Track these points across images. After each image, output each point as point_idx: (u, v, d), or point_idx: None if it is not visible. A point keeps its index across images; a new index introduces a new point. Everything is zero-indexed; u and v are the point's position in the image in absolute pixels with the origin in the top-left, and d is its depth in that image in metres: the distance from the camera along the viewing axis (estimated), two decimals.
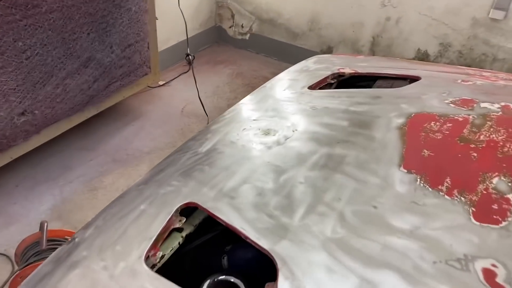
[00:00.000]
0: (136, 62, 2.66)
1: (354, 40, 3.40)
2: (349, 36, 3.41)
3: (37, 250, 1.63)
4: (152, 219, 0.96)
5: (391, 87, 1.49)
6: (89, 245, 0.93)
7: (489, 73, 1.52)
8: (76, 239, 0.97)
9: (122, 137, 2.76)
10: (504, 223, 0.84)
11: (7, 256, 1.98)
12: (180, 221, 0.97)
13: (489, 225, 0.84)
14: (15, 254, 1.74)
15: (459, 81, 1.42)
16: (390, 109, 1.25)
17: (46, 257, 1.58)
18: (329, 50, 3.53)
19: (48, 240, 1.66)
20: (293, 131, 1.21)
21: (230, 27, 3.95)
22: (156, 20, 2.76)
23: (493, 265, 0.76)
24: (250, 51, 3.93)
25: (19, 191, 2.29)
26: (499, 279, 0.74)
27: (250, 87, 3.35)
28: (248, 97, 1.54)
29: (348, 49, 3.44)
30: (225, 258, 1.03)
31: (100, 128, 2.79)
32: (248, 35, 3.89)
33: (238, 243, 1.08)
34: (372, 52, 3.34)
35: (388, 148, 1.08)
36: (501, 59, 2.90)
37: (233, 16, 3.88)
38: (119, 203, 1.08)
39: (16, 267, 1.79)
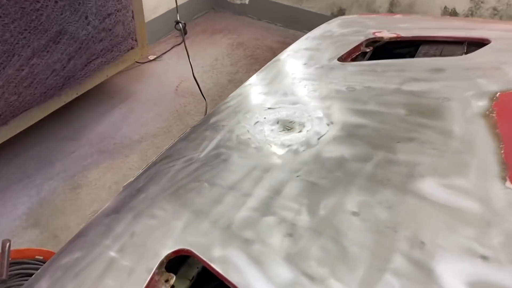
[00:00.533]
0: (119, 34, 2.26)
1: (370, 0, 2.97)
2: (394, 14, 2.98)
3: None
4: (125, 280, 0.61)
5: (440, 55, 1.11)
6: None
7: None
8: None
9: (108, 124, 2.39)
10: None
11: None
12: (167, 281, 0.62)
13: None
14: None
15: None
16: (462, 87, 0.88)
17: None
18: (340, 13, 3.10)
19: (12, 264, 1.33)
20: (328, 125, 0.84)
21: None
22: None
23: None
24: (251, 17, 3.50)
25: None
26: None
27: (253, 59, 2.95)
28: (257, 75, 1.17)
29: (363, 10, 3.01)
30: None
31: (83, 114, 2.42)
32: None
33: None
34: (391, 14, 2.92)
35: (476, 149, 0.72)
36: None
37: None
38: (79, 245, 0.73)
39: None
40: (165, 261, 0.63)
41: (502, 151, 0.70)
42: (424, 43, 1.20)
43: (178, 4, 2.38)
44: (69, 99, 2.18)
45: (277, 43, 3.13)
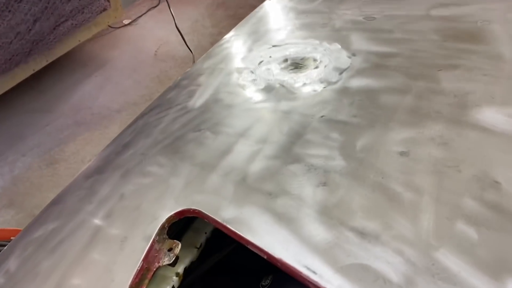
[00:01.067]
0: None
1: None
2: None
3: None
4: (116, 251, 0.48)
5: None
6: None
7: None
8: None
9: (84, 93, 2.21)
10: None
11: None
12: (170, 250, 0.48)
13: None
14: None
15: None
16: (502, 8, 0.74)
17: None
18: None
19: None
20: (349, 57, 0.70)
21: None
22: None
23: None
24: None
25: None
26: None
27: (236, 19, 2.76)
28: (250, 17, 1.01)
29: None
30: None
31: (55, 84, 2.23)
32: None
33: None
34: None
35: None
36: None
37: None
38: (54, 214, 0.58)
39: None
40: (166, 225, 0.49)
41: None
42: None
43: None
44: (39, 67, 1.98)
45: (261, 1, 2.95)
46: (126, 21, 2.75)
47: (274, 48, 0.79)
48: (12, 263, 0.52)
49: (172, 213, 0.50)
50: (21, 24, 1.75)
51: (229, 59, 0.81)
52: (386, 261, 0.40)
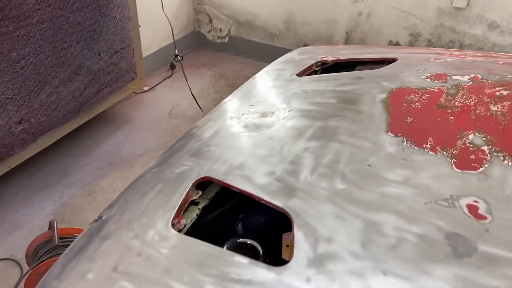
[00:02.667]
0: (122, 68, 2.75)
1: (329, 36, 3.56)
2: (323, 33, 3.57)
3: (49, 248, 1.70)
4: (172, 194, 1.06)
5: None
6: (117, 220, 1.02)
7: (458, 52, 1.68)
8: (103, 217, 1.06)
9: (113, 142, 2.83)
10: (481, 169, 0.98)
11: (14, 261, 2.02)
12: (196, 194, 1.07)
13: (469, 171, 0.98)
14: (26, 255, 1.80)
15: (432, 59, 1.57)
16: (372, 87, 1.38)
17: (60, 253, 1.66)
18: None
19: (58, 238, 1.73)
20: (289, 111, 1.33)
21: (209, 32, 4.06)
22: (139, 27, 2.85)
23: (475, 201, 0.89)
24: (230, 53, 4.05)
25: (19, 200, 2.34)
26: (481, 211, 0.87)
27: (233, 87, 3.45)
28: (240, 88, 1.65)
29: (324, 45, 3.59)
30: (240, 224, 1.14)
31: (91, 134, 2.86)
32: (227, 38, 4.01)
33: (249, 212, 1.19)
34: None
35: (375, 118, 1.21)
36: (467, 45, 3.10)
37: (211, 21, 3.99)
38: (137, 185, 1.17)
39: (27, 268, 1.85)
40: (195, 183, 1.08)
41: (389, 118, 1.19)
42: (359, 63, 1.72)
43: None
44: (82, 122, 2.62)
45: (253, 73, 3.62)
46: (145, 88, 3.44)
47: (251, 106, 1.42)
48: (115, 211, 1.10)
49: (197, 178, 1.09)
50: (76, 90, 2.41)
51: (225, 113, 1.44)
52: None
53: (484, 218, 0.86)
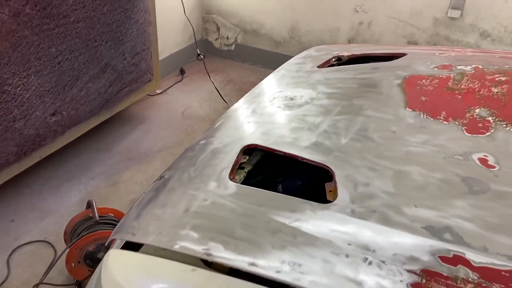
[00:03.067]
0: (142, 69, 2.92)
1: (332, 43, 3.79)
2: (327, 41, 3.79)
3: (89, 224, 1.85)
4: (224, 157, 1.23)
5: None
6: (179, 178, 1.19)
7: (459, 48, 1.89)
8: (165, 176, 1.23)
9: (132, 139, 2.99)
10: (488, 133, 1.17)
11: (48, 242, 2.16)
12: (244, 158, 1.25)
13: (478, 135, 1.17)
14: (65, 232, 1.94)
15: (437, 54, 1.78)
16: (388, 75, 1.58)
17: (100, 229, 1.80)
18: None
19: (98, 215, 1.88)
20: (316, 94, 1.51)
21: (216, 40, 4.27)
22: (156, 33, 3.04)
23: (485, 156, 1.08)
24: (237, 61, 4.25)
25: (47, 190, 2.48)
26: (490, 162, 1.06)
27: (242, 92, 3.65)
28: (266, 79, 1.84)
29: None
30: (280, 186, 1.31)
31: (111, 132, 3.02)
32: (234, 45, 4.22)
33: (286, 176, 1.36)
34: None
35: (394, 98, 1.40)
36: None
37: (218, 29, 4.20)
38: (190, 153, 1.34)
39: (61, 249, 1.99)
40: (243, 149, 1.25)
41: (406, 97, 1.38)
42: (371, 59, 1.92)
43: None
44: (105, 118, 2.78)
45: (259, 79, 3.83)
46: (158, 91, 3.61)
47: (280, 92, 1.60)
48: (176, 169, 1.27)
49: (245, 145, 1.26)
50: (102, 87, 2.58)
51: (257, 98, 1.61)
52: None
53: (493, 167, 1.04)
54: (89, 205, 1.90)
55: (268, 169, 1.40)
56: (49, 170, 2.61)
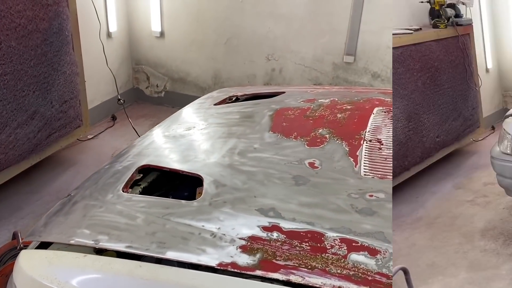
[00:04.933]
0: (71, 115, 3.18)
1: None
2: (245, 86, 4.24)
3: (14, 253, 2.03)
4: (121, 177, 1.54)
5: None
6: (82, 194, 1.48)
7: (328, 86, 2.35)
8: (72, 194, 1.51)
9: (62, 181, 3.19)
10: (321, 146, 1.57)
11: None
12: (138, 175, 1.55)
13: (315, 147, 1.56)
14: None
15: (308, 91, 2.22)
16: (264, 108, 1.98)
17: None
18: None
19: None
20: (206, 124, 1.87)
21: (146, 88, 4.61)
22: (85, 82, 3.34)
23: (314, 160, 1.47)
24: (167, 106, 4.59)
25: None
26: (316, 165, 1.44)
27: None
28: (169, 117, 2.19)
29: None
30: (170, 196, 1.62)
31: (41, 175, 3.20)
32: (163, 92, 4.58)
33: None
34: None
35: (263, 125, 1.79)
36: None
37: (148, 78, 4.56)
38: (94, 175, 1.63)
39: None
40: (138, 169, 1.56)
41: (272, 125, 1.77)
42: (259, 97, 2.33)
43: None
44: (35, 162, 2.98)
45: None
46: (89, 136, 3.85)
47: (179, 125, 1.95)
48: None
49: (140, 165, 1.57)
50: (31, 133, 2.80)
51: (158, 128, 1.94)
52: None
53: (317, 168, 1.42)
54: (15, 235, 2.09)
55: (165, 186, 1.71)
56: None
